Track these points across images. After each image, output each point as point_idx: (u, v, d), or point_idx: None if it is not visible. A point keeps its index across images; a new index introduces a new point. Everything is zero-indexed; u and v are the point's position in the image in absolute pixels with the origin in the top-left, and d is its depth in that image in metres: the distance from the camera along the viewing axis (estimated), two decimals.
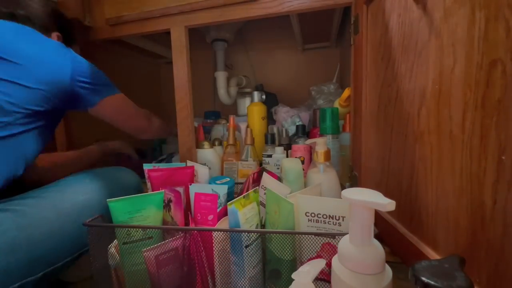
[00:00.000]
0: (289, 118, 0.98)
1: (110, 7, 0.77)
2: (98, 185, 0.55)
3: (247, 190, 0.47)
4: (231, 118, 0.85)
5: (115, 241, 0.44)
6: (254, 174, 0.55)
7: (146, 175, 0.58)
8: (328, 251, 0.37)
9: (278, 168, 0.75)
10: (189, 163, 0.64)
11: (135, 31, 0.77)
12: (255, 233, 0.40)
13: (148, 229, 0.44)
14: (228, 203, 0.40)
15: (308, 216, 0.39)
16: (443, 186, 0.32)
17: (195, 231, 0.41)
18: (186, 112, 0.75)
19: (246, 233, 0.39)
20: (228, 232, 0.39)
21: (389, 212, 0.45)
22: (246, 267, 0.39)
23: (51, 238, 0.44)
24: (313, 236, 0.37)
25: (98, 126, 0.99)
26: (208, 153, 0.81)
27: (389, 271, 0.26)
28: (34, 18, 0.57)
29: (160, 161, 1.01)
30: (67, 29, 0.65)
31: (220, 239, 0.40)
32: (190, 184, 0.50)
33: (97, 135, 0.95)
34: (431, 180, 0.34)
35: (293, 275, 0.29)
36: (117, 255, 0.44)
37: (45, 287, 0.44)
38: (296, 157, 0.71)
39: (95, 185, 0.55)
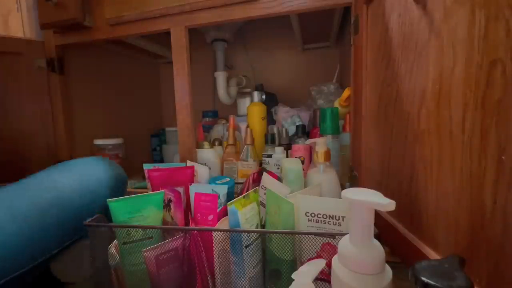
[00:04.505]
0: (289, 118, 0.98)
1: (110, 7, 0.77)
2: (65, 182, 0.47)
3: (247, 190, 0.47)
4: (231, 118, 0.85)
5: (115, 241, 0.44)
6: (254, 174, 0.55)
7: (146, 175, 0.58)
8: (328, 251, 0.37)
9: (278, 168, 0.75)
10: (189, 163, 0.64)
11: (135, 31, 0.77)
12: (255, 233, 0.40)
13: (148, 229, 0.44)
14: (228, 203, 0.40)
15: (308, 216, 0.39)
16: (443, 186, 0.32)
17: (195, 231, 0.41)
18: (186, 112, 0.75)
19: (246, 233, 0.39)
20: (228, 232, 0.39)
21: (389, 212, 0.45)
22: (246, 267, 0.39)
23: (5, 246, 0.39)
24: (313, 236, 0.37)
25: (97, 127, 0.99)
26: (208, 153, 0.81)
27: (389, 271, 0.26)
28: None
29: None
30: None
31: (220, 239, 0.40)
32: (190, 184, 0.50)
33: (97, 136, 0.95)
34: (431, 180, 0.34)
35: (293, 275, 0.29)
36: (117, 255, 0.44)
37: None
38: (296, 157, 0.71)
39: (63, 182, 0.47)
